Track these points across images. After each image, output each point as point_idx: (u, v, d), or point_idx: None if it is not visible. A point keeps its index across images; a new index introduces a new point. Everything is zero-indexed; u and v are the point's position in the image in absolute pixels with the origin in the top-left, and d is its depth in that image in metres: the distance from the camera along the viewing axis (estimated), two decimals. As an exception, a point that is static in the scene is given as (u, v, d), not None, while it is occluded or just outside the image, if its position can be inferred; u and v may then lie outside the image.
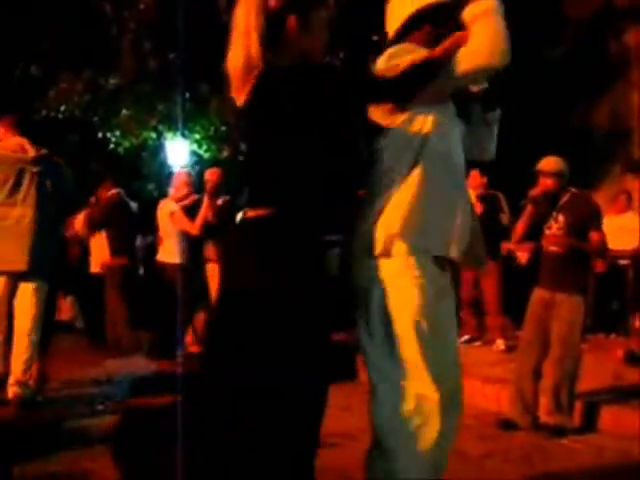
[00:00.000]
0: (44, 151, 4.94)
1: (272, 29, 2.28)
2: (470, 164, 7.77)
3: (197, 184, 7.17)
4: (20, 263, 4.71)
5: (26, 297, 4.82)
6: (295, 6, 2.31)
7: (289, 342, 2.21)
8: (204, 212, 6.59)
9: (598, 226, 4.72)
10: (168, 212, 6.79)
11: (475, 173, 7.38)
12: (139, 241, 9.43)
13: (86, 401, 5.13)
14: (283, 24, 2.30)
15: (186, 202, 6.85)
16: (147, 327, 7.07)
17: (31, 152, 4.89)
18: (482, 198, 7.18)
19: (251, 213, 2.29)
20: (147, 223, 8.00)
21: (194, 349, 6.82)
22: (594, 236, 4.67)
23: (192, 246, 6.79)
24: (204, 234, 6.71)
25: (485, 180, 7.45)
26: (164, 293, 6.71)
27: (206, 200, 6.63)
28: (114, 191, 7.53)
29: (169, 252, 6.80)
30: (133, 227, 7.67)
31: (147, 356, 6.64)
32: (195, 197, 6.94)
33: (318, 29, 2.37)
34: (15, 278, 4.79)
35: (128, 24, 11.30)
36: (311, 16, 2.35)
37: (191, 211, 6.79)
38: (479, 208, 7.09)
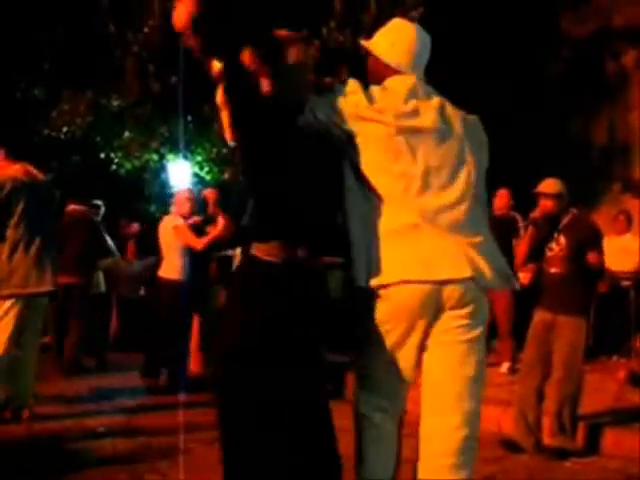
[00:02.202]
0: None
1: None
2: (499, 182, 7.70)
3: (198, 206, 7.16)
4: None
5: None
6: (266, 70, 2.39)
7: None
8: (218, 232, 6.43)
9: (597, 247, 4.73)
10: (172, 226, 6.67)
11: (504, 192, 7.39)
12: (139, 264, 9.44)
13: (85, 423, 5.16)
14: (258, 89, 2.38)
15: (195, 220, 6.80)
16: (141, 348, 7.04)
17: (39, 176, 4.98)
18: (498, 220, 7.19)
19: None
20: (149, 244, 7.98)
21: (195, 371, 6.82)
22: (592, 257, 4.68)
23: (195, 264, 6.73)
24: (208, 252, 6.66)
25: (511, 203, 7.45)
26: (162, 311, 6.65)
27: (222, 221, 6.43)
28: (74, 207, 7.48)
29: (170, 268, 6.67)
30: (92, 247, 7.50)
31: (141, 376, 6.62)
32: (201, 218, 6.91)
33: (296, 79, 2.47)
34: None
35: (132, 47, 11.39)
36: (284, 72, 2.43)
37: (196, 230, 6.74)
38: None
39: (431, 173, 2.53)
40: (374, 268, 2.47)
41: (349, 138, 2.52)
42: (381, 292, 2.47)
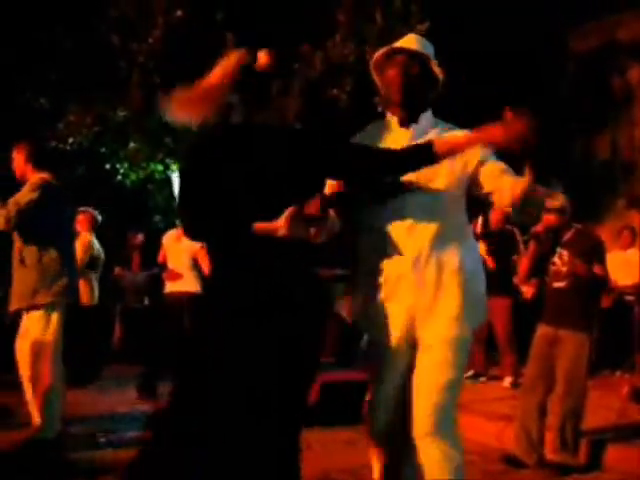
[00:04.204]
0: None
1: (259, 89, 2.51)
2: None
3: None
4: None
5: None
6: (281, 72, 2.55)
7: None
8: None
9: (600, 260, 4.72)
10: (197, 245, 6.50)
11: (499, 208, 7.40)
12: (144, 274, 9.45)
13: (87, 434, 5.15)
14: (269, 86, 2.52)
15: None
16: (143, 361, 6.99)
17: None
18: (494, 234, 7.20)
19: None
20: (153, 255, 7.96)
21: None
22: (596, 269, 4.66)
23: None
24: None
25: (506, 217, 7.44)
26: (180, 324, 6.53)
27: None
28: None
29: (190, 282, 6.63)
30: None
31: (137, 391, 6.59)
32: None
33: (296, 94, 2.61)
34: None
35: (137, 57, 11.45)
36: (293, 83, 2.60)
37: None
38: (484, 245, 7.14)
39: None
40: None
41: None
42: None
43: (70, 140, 11.61)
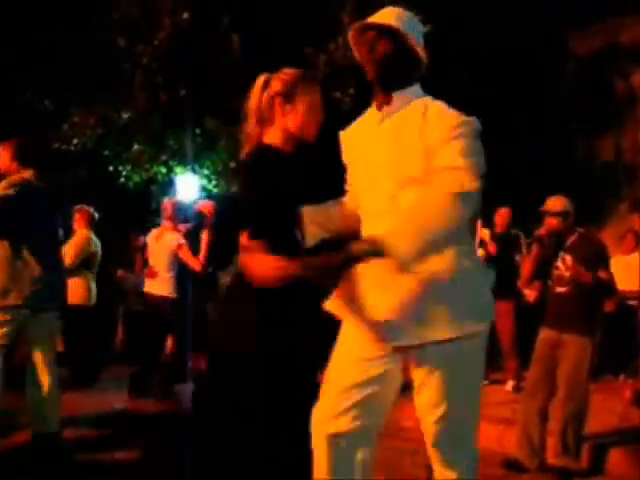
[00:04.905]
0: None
1: (266, 110, 2.66)
2: (505, 199, 7.76)
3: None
4: None
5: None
6: (282, 91, 2.65)
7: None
8: (206, 250, 6.53)
9: (605, 265, 4.71)
10: (174, 244, 6.67)
11: (505, 211, 7.42)
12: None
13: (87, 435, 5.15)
14: (273, 106, 2.65)
15: (187, 228, 6.90)
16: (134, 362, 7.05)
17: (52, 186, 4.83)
18: (499, 237, 7.21)
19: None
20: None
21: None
22: (601, 274, 4.65)
23: (181, 280, 6.81)
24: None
25: (511, 221, 7.47)
26: (156, 327, 6.75)
27: (206, 237, 6.57)
28: None
29: (166, 285, 6.72)
30: None
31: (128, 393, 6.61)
32: (188, 226, 7.00)
33: (305, 111, 2.66)
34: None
35: (141, 59, 11.46)
36: (296, 100, 2.65)
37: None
38: (493, 247, 7.13)
39: None
40: None
41: None
42: None
43: (74, 141, 11.62)
